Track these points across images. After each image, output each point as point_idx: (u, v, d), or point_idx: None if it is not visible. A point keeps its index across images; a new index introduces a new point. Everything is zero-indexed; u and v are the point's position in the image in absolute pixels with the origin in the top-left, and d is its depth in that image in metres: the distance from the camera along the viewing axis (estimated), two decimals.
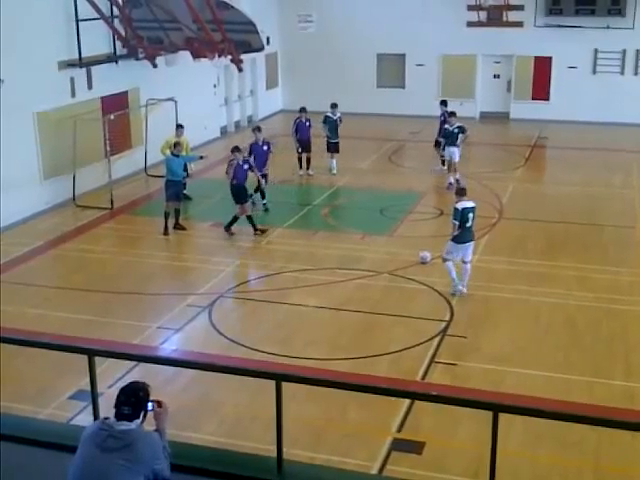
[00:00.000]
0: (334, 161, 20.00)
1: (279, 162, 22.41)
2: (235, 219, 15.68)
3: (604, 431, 7.32)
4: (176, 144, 16.19)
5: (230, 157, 15.87)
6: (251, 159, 16.31)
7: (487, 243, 15.04)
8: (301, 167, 20.09)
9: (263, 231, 15.74)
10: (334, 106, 20.01)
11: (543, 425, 7.62)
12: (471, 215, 12.40)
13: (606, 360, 10.61)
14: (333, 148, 20.08)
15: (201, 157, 17.19)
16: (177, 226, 15.99)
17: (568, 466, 8.42)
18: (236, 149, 15.83)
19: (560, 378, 10.10)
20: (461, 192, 12.65)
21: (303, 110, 19.75)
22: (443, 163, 19.90)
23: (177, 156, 15.92)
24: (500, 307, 12.37)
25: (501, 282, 13.23)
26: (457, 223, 12.27)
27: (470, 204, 12.48)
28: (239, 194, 15.66)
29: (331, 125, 19.90)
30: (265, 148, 17.23)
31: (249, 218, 15.67)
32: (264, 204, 17.08)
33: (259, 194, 17.07)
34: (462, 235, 12.42)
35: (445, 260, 12.63)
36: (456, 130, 18.70)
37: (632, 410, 9.27)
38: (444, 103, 20.30)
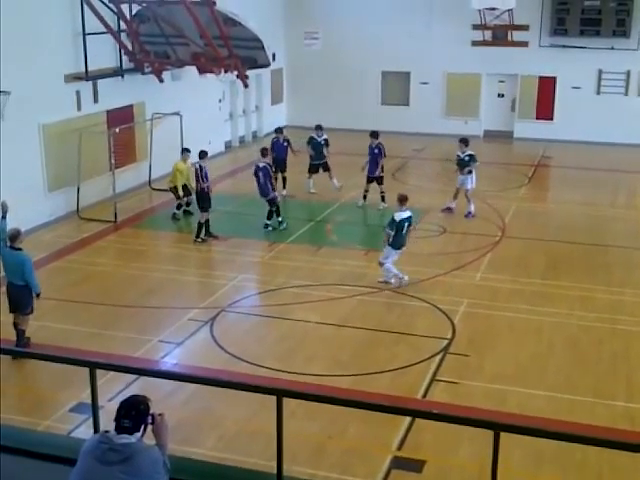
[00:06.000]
0: (335, 180, 19.69)
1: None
2: (201, 226, 16.33)
3: (605, 452, 7.27)
4: (14, 236, 10.99)
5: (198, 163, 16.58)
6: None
7: (490, 261, 15.03)
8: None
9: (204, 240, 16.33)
10: (319, 128, 19.85)
11: (544, 445, 7.59)
12: (406, 224, 13.54)
13: (608, 381, 10.57)
14: (319, 168, 19.73)
15: (38, 295, 11.18)
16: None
17: None
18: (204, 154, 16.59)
19: (562, 398, 10.07)
20: (403, 199, 13.58)
21: (279, 130, 19.97)
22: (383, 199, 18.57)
23: (18, 249, 11.05)
24: (502, 326, 12.35)
25: (504, 301, 13.21)
26: (392, 233, 13.38)
27: (406, 214, 13.57)
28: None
29: (315, 147, 19.69)
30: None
31: (207, 222, 16.41)
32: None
33: None
34: (398, 241, 13.52)
35: (382, 264, 13.65)
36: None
37: (633, 432, 9.23)
38: (375, 135, 18.70)
